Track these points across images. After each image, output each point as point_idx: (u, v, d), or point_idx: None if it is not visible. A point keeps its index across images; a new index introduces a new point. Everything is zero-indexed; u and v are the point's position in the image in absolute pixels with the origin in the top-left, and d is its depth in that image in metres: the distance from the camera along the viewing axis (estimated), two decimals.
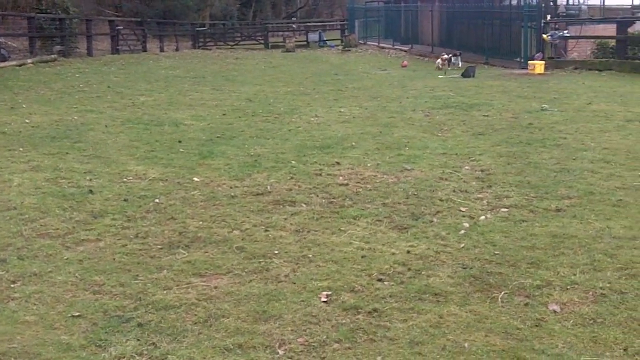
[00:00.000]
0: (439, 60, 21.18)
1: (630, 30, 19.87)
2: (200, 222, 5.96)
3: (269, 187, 7.07)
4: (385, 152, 8.67)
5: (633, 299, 4.31)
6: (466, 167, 7.80)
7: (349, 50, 31.47)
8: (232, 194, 6.86)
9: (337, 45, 34.47)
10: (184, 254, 5.22)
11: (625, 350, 3.71)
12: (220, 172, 7.72)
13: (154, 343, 3.84)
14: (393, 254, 5.16)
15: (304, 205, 6.44)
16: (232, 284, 4.68)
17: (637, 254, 5.06)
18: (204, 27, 40.72)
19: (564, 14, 22.08)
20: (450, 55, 20.97)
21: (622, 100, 12.96)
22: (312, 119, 11.43)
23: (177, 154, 8.64)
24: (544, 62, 19.27)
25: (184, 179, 7.42)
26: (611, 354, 3.68)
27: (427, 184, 7.09)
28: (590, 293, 4.42)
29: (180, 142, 9.43)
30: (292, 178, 7.41)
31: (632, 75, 17.48)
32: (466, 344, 3.77)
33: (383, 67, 22.64)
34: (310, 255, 5.14)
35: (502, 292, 4.45)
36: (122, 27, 30.16)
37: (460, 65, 20.90)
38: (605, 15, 23.40)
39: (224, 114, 12.08)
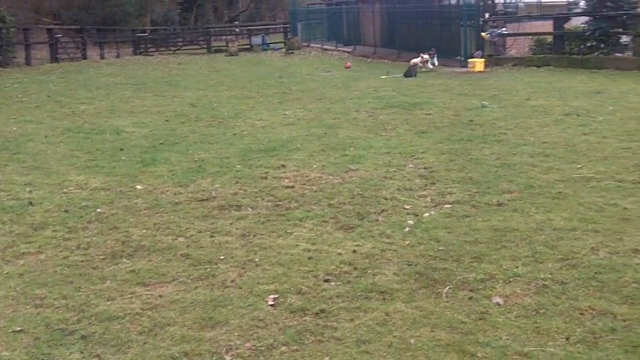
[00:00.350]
0: (419, 59, 19.98)
1: (566, 25, 20.33)
2: (144, 231, 5.88)
3: (213, 192, 7.02)
4: (330, 153, 8.70)
5: (574, 289, 4.42)
6: (410, 165, 7.88)
7: (293, 52, 31.48)
8: (176, 200, 6.79)
9: (281, 48, 34.44)
10: (128, 263, 5.14)
11: (567, 339, 3.79)
12: (163, 179, 7.63)
13: (98, 355, 3.78)
14: (339, 254, 5.18)
15: (250, 209, 6.41)
16: (178, 291, 4.63)
17: (577, 244, 5.18)
18: (145, 33, 40.20)
19: (502, 11, 22.45)
20: (427, 54, 20.37)
21: (560, 94, 13.26)
22: (257, 122, 11.40)
23: (119, 162, 8.51)
24: (483, 59, 19.59)
25: (127, 187, 7.31)
26: (554, 343, 3.75)
27: (371, 184, 7.13)
28: (533, 284, 4.51)
29: (122, 150, 9.30)
30: (237, 182, 7.38)
31: (569, 70, 17.89)
32: (412, 340, 3.81)
33: (327, 68, 22.73)
34: (257, 259, 5.13)
35: (447, 287, 4.50)
36: (61, 35, 29.54)
37: (436, 63, 20.69)
38: (542, 11, 23.86)
39: (166, 120, 11.96)
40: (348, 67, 22.68)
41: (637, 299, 4.21)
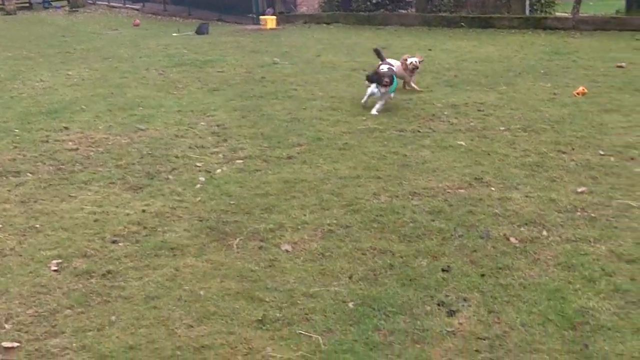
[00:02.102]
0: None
1: None
2: None
3: None
4: (117, 113, 8.39)
5: (357, 232, 4.65)
6: (202, 123, 7.82)
7: (77, 10, 29.80)
8: None
9: (64, 6, 32.45)
10: None
11: (350, 277, 3.99)
12: None
13: None
14: (128, 214, 5.05)
15: (30, 175, 6.04)
16: None
17: (360, 191, 5.44)
18: None
19: None
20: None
21: (348, 51, 13.75)
22: (37, 84, 10.70)
23: None
24: (275, 17, 19.78)
25: None
26: (338, 283, 3.93)
27: (162, 143, 7.00)
28: (319, 230, 4.69)
29: None
30: (15, 147, 6.91)
31: (357, 27, 18.56)
32: (202, 292, 3.82)
33: (114, 27, 21.78)
34: (38, 225, 4.86)
35: (238, 239, 4.55)
36: None
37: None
38: None
39: None
40: (137, 25, 21.92)
41: (414, 237, 4.52)
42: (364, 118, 7.83)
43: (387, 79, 8.14)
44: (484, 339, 3.31)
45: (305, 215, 4.95)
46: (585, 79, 9.69)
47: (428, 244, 4.40)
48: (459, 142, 6.68)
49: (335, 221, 4.83)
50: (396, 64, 9.25)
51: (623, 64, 10.69)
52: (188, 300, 3.73)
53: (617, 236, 4.42)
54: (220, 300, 3.73)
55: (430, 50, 13.26)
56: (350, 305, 3.66)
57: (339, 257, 4.26)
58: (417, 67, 9.31)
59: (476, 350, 3.22)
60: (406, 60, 9.33)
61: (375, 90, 8.22)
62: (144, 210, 5.12)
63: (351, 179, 5.75)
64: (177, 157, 6.52)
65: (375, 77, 8.28)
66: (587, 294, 3.69)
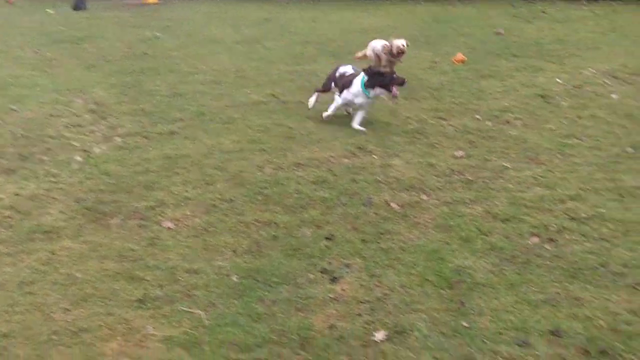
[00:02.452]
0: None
1: None
2: None
3: None
4: None
5: (241, 205, 4.61)
6: (79, 101, 7.52)
7: None
8: None
9: None
10: None
11: (234, 251, 3.96)
12: None
13: None
14: (0, 199, 4.80)
15: None
16: None
17: (244, 164, 5.40)
18: None
19: None
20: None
21: (233, 23, 13.55)
22: None
23: None
24: None
25: None
26: (222, 257, 3.90)
27: (36, 123, 6.69)
28: (202, 206, 4.62)
29: None
30: None
31: None
32: (79, 275, 3.69)
33: None
34: None
35: (117, 219, 4.43)
36: None
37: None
38: None
39: None
40: (11, 3, 20.82)
41: (298, 208, 4.53)
42: (248, 91, 7.76)
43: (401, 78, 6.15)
44: (365, 303, 3.36)
45: (187, 191, 4.87)
46: (465, 46, 9.96)
47: (312, 213, 4.42)
48: (343, 113, 6.72)
49: (219, 196, 4.77)
50: (372, 45, 8.03)
51: (501, 31, 11.06)
52: (64, 283, 3.61)
53: (492, 197, 4.59)
54: (98, 281, 3.62)
55: (314, 22, 13.27)
56: (234, 278, 3.63)
57: (222, 232, 4.21)
58: (404, 53, 7.88)
59: (358, 314, 3.27)
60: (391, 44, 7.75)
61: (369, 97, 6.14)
62: (17, 194, 4.89)
63: (235, 152, 5.69)
64: (52, 137, 6.25)
65: (382, 78, 6.07)
66: (463, 254, 3.81)
